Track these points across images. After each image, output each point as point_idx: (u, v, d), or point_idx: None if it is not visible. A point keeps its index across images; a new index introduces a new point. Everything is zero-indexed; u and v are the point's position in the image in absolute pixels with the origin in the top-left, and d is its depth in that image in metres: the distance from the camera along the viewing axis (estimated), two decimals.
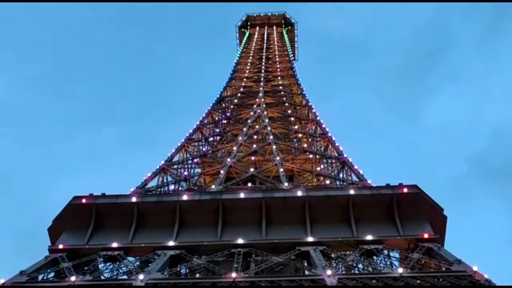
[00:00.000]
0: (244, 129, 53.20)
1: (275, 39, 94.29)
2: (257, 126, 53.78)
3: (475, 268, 27.56)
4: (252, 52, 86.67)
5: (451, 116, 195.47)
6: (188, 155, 49.89)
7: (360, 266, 31.90)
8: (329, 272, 27.92)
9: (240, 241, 32.15)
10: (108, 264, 31.95)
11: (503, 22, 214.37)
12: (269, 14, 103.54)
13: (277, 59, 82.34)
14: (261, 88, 66.50)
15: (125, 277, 30.22)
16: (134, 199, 35.45)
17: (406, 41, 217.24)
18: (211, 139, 55.44)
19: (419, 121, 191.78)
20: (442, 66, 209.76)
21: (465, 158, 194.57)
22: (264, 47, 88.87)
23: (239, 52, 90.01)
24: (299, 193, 35.10)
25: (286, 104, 62.87)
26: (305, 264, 31.90)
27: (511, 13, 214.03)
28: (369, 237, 31.87)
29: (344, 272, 30.16)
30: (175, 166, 46.52)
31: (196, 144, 53.33)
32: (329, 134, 51.42)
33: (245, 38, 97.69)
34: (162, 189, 41.95)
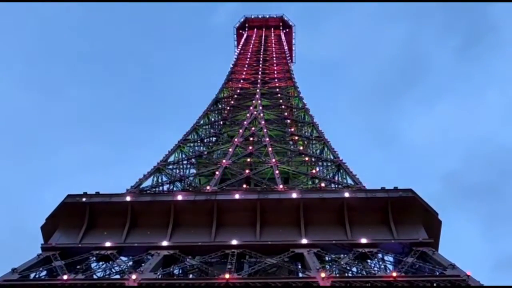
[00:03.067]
0: (240, 130, 53.09)
1: (273, 41, 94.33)
2: (253, 128, 53.63)
3: (468, 273, 27.55)
4: (249, 54, 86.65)
5: (427, 137, 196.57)
6: (183, 156, 49.74)
7: (354, 269, 31.80)
8: (322, 274, 27.81)
9: (234, 242, 32.06)
10: (101, 263, 31.84)
11: (475, 46, 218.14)
12: (267, 16, 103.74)
13: (275, 61, 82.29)
14: (258, 90, 66.45)
15: (117, 276, 30.10)
16: (128, 198, 35.30)
17: (382, 64, 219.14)
18: (206, 140, 55.33)
19: (394, 141, 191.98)
20: (417, 88, 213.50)
21: (440, 177, 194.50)
22: (262, 49, 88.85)
23: (236, 54, 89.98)
24: (294, 195, 35.03)
25: (283, 106, 62.77)
26: (299, 266, 31.78)
27: (482, 37, 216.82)
28: (363, 240, 31.82)
29: (337, 275, 30.07)
30: (170, 166, 46.38)
31: (192, 144, 53.20)
32: (325, 137, 51.37)
33: (243, 40, 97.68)
34: (157, 189, 41.81)
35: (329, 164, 46.42)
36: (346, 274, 30.70)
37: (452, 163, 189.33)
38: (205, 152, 50.60)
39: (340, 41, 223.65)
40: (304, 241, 32.14)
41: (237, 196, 35.25)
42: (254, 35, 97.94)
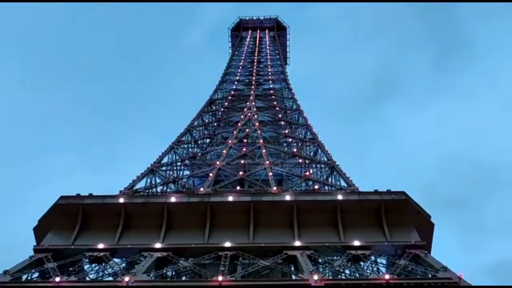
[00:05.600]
0: (234, 132, 53.11)
1: (267, 42, 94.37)
2: (247, 129, 53.66)
3: (460, 275, 27.72)
4: (244, 55, 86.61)
5: (402, 149, 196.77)
6: (177, 157, 49.68)
7: (347, 271, 31.89)
8: (315, 277, 27.90)
9: (227, 244, 32.07)
10: (93, 265, 31.75)
11: (449, 60, 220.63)
12: (262, 18, 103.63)
13: (269, 63, 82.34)
14: (252, 92, 66.48)
15: (110, 278, 30.03)
16: (121, 200, 35.22)
17: (357, 78, 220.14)
18: (200, 141, 55.28)
19: (370, 154, 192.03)
20: (393, 102, 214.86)
21: (415, 190, 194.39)
22: (256, 50, 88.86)
23: (230, 55, 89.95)
24: (288, 197, 35.08)
25: (277, 108, 62.81)
26: (292, 268, 31.83)
27: (456, 51, 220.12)
28: (356, 243, 31.91)
29: (330, 277, 30.12)
30: (164, 168, 46.31)
31: (186, 146, 53.12)
32: (319, 139, 51.46)
33: (237, 41, 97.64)
34: (150, 190, 41.73)
35: (322, 166, 46.50)
36: (339, 277, 30.75)
37: (427, 176, 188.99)
38: (199, 154, 50.56)
39: (317, 55, 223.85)
40: (298, 243, 32.19)
41: (230, 198, 35.25)
42: (248, 37, 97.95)
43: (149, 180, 43.44)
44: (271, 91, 68.47)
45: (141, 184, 42.23)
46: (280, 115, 60.18)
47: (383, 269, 31.40)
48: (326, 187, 41.79)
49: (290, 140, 54.44)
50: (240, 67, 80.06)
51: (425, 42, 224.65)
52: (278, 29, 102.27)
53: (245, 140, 51.49)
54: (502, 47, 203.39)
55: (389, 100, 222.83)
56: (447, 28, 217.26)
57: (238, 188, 41.46)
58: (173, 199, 35.26)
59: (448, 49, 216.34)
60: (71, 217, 34.20)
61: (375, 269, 31.69)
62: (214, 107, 65.03)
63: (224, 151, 48.12)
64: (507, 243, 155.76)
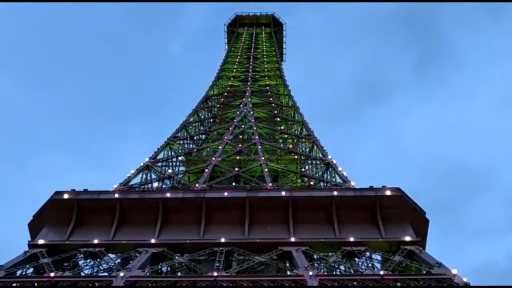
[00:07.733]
0: (230, 128, 53.05)
1: (264, 39, 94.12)
2: (243, 126, 53.63)
3: (454, 272, 27.82)
4: (240, 51, 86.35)
5: (383, 154, 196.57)
6: (172, 153, 49.58)
7: (342, 267, 31.98)
8: (310, 273, 27.97)
9: (222, 240, 32.11)
10: (88, 260, 31.75)
11: (431, 65, 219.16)
12: (258, 14, 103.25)
13: (265, 59, 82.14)
14: (248, 88, 66.36)
15: (105, 274, 30.01)
16: (116, 196, 35.21)
17: (340, 85, 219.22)
18: (196, 137, 55.19)
19: (351, 159, 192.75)
20: (375, 107, 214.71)
21: None
22: (252, 46, 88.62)
23: (226, 51, 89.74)
24: (283, 193, 35.13)
25: (273, 104, 62.77)
26: (287, 264, 31.89)
27: (438, 56, 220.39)
28: (351, 239, 32.01)
29: (325, 273, 30.21)
30: (159, 164, 46.22)
31: (181, 142, 53.01)
32: (315, 136, 51.46)
33: (233, 37, 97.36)
34: (146, 186, 41.64)
35: (318, 162, 46.51)
36: (334, 272, 30.88)
37: (408, 181, 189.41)
38: (195, 150, 50.47)
39: (303, 59, 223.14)
40: (293, 239, 32.28)
41: (226, 194, 35.27)
42: (244, 33, 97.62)
43: (144, 176, 43.33)
44: (267, 88, 68.41)
45: (136, 180, 42.18)
46: (276, 112, 60.16)
47: (378, 265, 31.48)
48: (322, 184, 41.87)
49: (286, 136, 54.43)
50: (236, 63, 79.85)
51: (409, 46, 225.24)
52: (274, 25, 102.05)
53: (240, 137, 51.48)
54: (483, 52, 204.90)
55: (375, 103, 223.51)
56: (429, 33, 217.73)
57: (233, 184, 41.46)
58: (168, 195, 35.26)
59: (431, 54, 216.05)
60: (66, 212, 34.15)
61: (369, 265, 31.73)
62: (210, 103, 64.87)
63: (219, 147, 48.03)
64: (488, 246, 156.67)
